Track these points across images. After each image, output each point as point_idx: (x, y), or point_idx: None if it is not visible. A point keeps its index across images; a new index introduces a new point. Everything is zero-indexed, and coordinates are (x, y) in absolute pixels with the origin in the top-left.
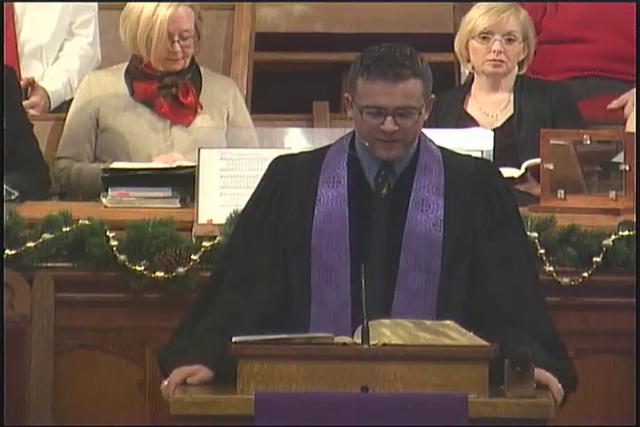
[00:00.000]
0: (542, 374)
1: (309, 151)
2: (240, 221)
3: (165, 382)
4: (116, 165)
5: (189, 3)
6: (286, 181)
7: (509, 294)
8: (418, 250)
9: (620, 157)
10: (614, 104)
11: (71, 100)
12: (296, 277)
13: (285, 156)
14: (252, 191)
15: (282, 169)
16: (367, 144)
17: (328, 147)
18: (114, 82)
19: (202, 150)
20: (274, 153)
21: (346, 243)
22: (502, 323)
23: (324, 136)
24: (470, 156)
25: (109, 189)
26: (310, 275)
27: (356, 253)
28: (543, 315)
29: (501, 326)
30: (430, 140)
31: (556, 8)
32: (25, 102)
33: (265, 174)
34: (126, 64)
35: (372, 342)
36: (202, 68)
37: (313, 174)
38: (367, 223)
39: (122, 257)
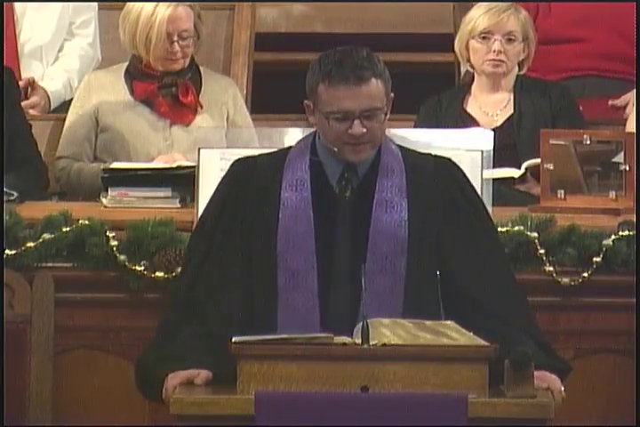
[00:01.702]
0: (545, 375)
1: (270, 153)
2: (203, 224)
3: (167, 389)
4: (115, 165)
5: (189, 3)
6: (248, 183)
7: (483, 291)
8: (383, 251)
9: (620, 157)
10: (617, 102)
11: (71, 100)
12: (260, 282)
13: (245, 158)
14: None
15: (243, 172)
16: (335, 149)
17: (288, 148)
18: (114, 82)
19: (202, 150)
20: None
21: (312, 246)
22: (484, 320)
23: None
24: (430, 154)
25: (109, 189)
26: (276, 279)
27: (322, 257)
28: (523, 309)
29: (485, 325)
30: (390, 140)
31: (549, 8)
32: (25, 102)
33: (225, 177)
34: (126, 64)
35: (371, 342)
36: (202, 68)
37: (275, 177)
38: (332, 226)
39: (122, 257)
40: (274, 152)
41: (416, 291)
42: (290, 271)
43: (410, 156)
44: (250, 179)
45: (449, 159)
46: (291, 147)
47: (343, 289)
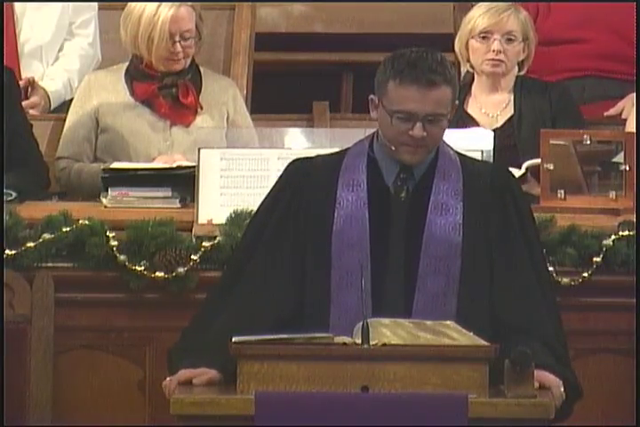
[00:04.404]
0: (545, 375)
1: (327, 154)
2: (254, 223)
3: (168, 379)
4: (116, 165)
5: (190, 3)
6: (304, 183)
7: (510, 301)
8: (437, 254)
9: (620, 157)
10: (611, 111)
11: (71, 100)
12: (313, 280)
13: (303, 158)
14: (252, 191)
15: (299, 171)
16: (393, 148)
17: (346, 150)
18: (114, 82)
19: (202, 150)
20: (274, 153)
21: (366, 246)
22: (504, 330)
23: (324, 136)
24: (488, 162)
25: (109, 189)
26: (330, 278)
27: (375, 257)
28: (551, 322)
29: (505, 334)
30: (448, 146)
31: (548, 9)
32: (25, 102)
33: (281, 176)
34: (126, 64)
35: (372, 342)
36: (202, 69)
37: (332, 177)
38: (386, 226)
39: (122, 257)
40: (332, 153)
41: (471, 294)
42: (343, 270)
43: (467, 161)
44: (306, 179)
45: (507, 169)
46: (349, 148)
47: (396, 289)
